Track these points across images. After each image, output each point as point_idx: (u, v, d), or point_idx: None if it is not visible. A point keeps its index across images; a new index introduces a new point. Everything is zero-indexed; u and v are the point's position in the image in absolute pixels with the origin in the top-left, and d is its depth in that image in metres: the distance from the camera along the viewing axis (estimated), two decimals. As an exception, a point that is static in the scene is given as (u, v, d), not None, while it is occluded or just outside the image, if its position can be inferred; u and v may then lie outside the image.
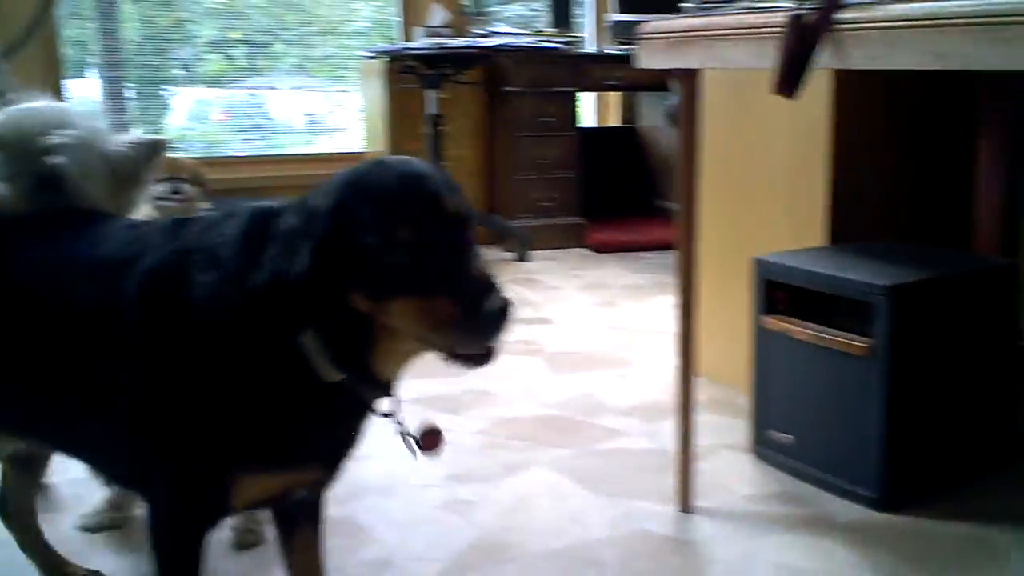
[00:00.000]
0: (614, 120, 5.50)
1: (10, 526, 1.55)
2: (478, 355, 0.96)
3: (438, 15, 4.56)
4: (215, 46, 7.66)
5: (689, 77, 1.62)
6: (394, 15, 5.08)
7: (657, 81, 3.37)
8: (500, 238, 4.45)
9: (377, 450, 2.08)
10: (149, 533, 1.09)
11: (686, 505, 1.80)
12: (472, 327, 0.91)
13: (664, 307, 3.29)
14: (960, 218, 2.22)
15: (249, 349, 0.98)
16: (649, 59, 1.61)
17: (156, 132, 6.23)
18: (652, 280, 3.78)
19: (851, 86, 2.11)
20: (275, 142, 6.16)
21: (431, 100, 4.05)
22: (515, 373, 2.63)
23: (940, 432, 1.84)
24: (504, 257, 4.25)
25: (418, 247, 0.91)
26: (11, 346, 1.15)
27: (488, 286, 0.92)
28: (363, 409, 1.06)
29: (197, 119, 7.93)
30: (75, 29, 5.42)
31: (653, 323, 3.14)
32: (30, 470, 1.53)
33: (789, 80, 1.28)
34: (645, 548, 1.66)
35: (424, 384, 2.52)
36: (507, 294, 0.94)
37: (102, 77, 4.88)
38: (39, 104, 1.31)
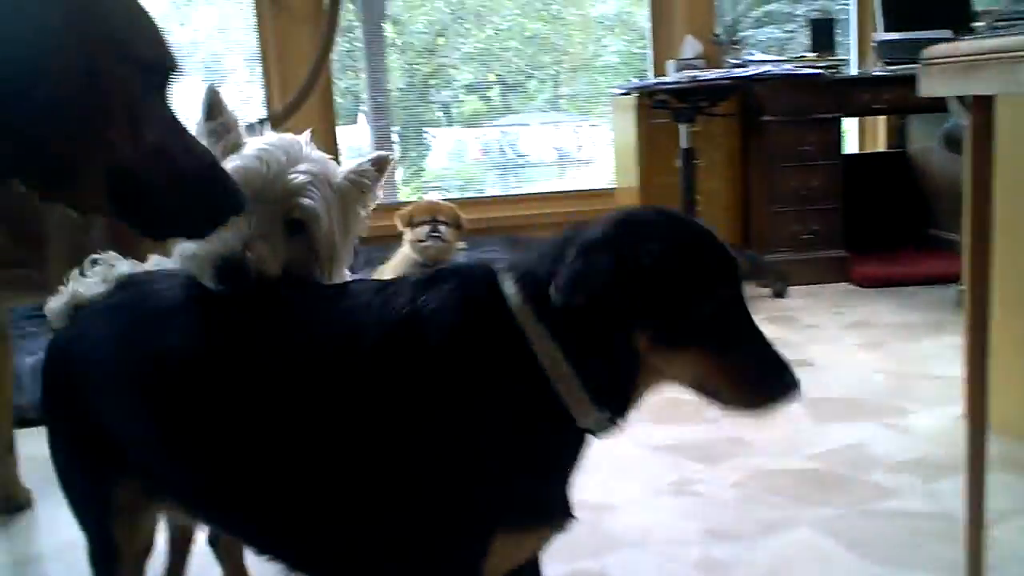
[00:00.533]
0: (880, 145, 5.16)
1: (218, 555, 1.60)
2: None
3: (690, 47, 4.48)
4: (472, 88, 7.97)
5: (982, 103, 1.45)
6: (645, 49, 5.06)
7: (932, 103, 3.10)
8: (755, 273, 4.28)
9: (629, 500, 2.03)
10: None
11: (977, 581, 1.59)
12: (764, 395, 0.95)
13: (941, 349, 3.01)
14: None
15: (501, 386, 0.96)
16: (935, 86, 1.45)
17: (418, 172, 6.58)
18: (926, 319, 3.47)
19: None
20: (527, 176, 6.35)
21: (683, 134, 3.96)
22: (773, 420, 2.47)
23: None
24: (760, 293, 4.07)
25: (730, 305, 0.95)
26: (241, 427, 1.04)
27: (783, 360, 0.95)
28: (585, 444, 1.03)
29: (456, 158, 8.27)
30: (347, 80, 5.85)
31: (928, 367, 2.87)
32: None
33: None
34: (929, 629, 1.49)
35: (676, 431, 2.43)
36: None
37: (370, 123, 5.21)
38: (271, 141, 1.23)
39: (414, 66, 7.86)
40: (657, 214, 0.97)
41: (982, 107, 1.46)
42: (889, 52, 4.18)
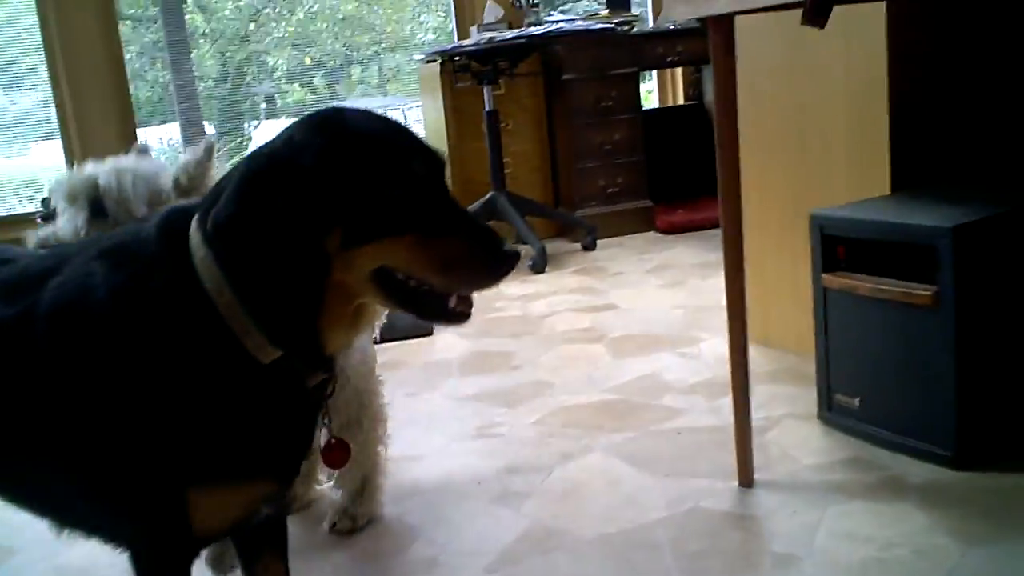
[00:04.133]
0: (680, 99, 5.36)
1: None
2: (461, 312, 0.93)
3: (491, 12, 4.51)
4: (293, 75, 7.69)
5: (720, 25, 1.52)
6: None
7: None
8: (566, 230, 4.38)
9: (434, 449, 2.04)
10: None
11: (746, 479, 1.68)
12: (487, 267, 0.89)
13: (736, 282, 3.16)
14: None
15: (164, 333, 0.88)
16: (677, 9, 1.52)
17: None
18: (721, 257, 3.63)
19: (906, 26, 1.97)
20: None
21: (487, 97, 4.00)
22: (576, 362, 2.55)
23: (1017, 383, 1.69)
24: (572, 248, 4.17)
25: (427, 184, 0.90)
26: None
27: (495, 233, 0.91)
28: (309, 397, 0.96)
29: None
30: (152, 73, 5.56)
31: (721, 299, 2.99)
32: None
33: (817, 8, 1.24)
34: (701, 526, 1.56)
35: (481, 380, 2.47)
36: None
37: (180, 118, 5.01)
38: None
39: (226, 55, 7.54)
40: (330, 113, 0.91)
41: (721, 29, 1.53)
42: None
